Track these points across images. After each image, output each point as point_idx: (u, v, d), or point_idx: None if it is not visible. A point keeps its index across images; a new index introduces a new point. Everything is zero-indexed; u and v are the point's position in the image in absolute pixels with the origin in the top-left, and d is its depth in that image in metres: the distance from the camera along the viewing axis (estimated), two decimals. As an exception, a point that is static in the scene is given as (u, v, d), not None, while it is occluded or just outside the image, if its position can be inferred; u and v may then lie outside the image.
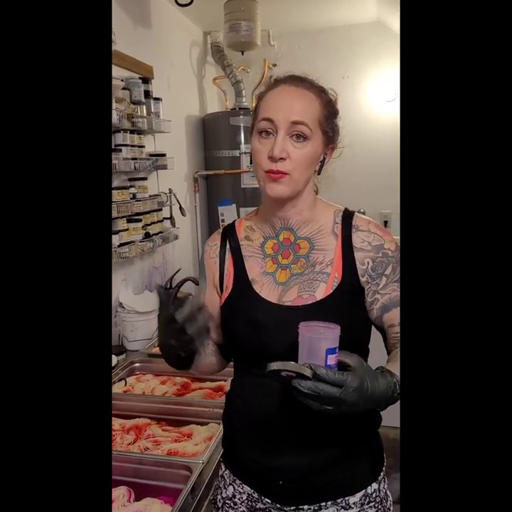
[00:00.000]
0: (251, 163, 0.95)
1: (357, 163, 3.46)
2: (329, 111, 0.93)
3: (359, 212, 0.99)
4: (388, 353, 0.98)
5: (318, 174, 0.96)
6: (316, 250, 0.95)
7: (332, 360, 0.74)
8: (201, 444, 1.42)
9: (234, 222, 1.07)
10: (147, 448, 1.43)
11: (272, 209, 0.97)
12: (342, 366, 0.77)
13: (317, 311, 0.89)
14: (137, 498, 1.23)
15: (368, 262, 0.93)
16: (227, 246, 1.02)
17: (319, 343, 0.74)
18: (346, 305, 0.91)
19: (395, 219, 3.49)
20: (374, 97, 3.48)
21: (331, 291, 0.91)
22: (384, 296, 0.92)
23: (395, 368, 0.82)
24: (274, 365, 0.74)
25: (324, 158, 0.96)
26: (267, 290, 0.95)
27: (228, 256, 1.02)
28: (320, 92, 0.93)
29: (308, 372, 0.72)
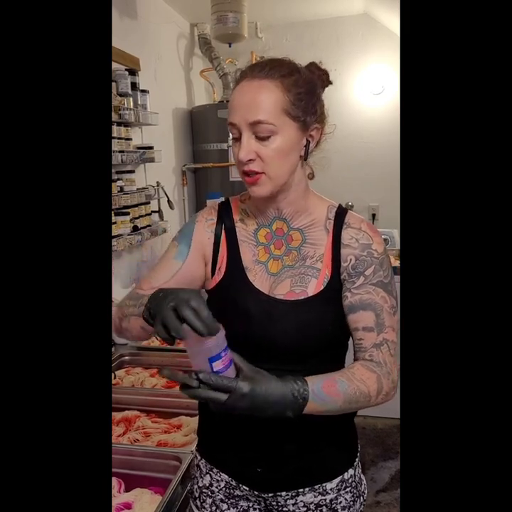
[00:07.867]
0: None
1: (344, 156, 3.47)
2: (298, 92, 0.85)
3: (347, 205, 0.99)
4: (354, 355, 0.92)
5: (305, 159, 0.91)
6: (307, 244, 0.94)
7: (219, 365, 0.73)
8: (190, 434, 1.43)
9: (228, 200, 1.02)
10: (137, 439, 1.44)
11: (264, 199, 0.93)
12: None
13: (307, 306, 0.89)
14: (127, 489, 1.25)
15: (351, 259, 0.90)
16: (223, 225, 0.98)
17: (198, 356, 0.73)
18: (334, 301, 0.91)
19: (383, 212, 3.50)
20: (361, 90, 3.49)
21: (322, 288, 0.90)
22: (355, 295, 0.89)
23: (321, 378, 0.81)
24: (165, 372, 0.74)
25: (308, 142, 0.90)
26: (260, 280, 0.93)
27: (223, 236, 0.98)
28: (281, 76, 0.85)
29: (194, 383, 0.71)
